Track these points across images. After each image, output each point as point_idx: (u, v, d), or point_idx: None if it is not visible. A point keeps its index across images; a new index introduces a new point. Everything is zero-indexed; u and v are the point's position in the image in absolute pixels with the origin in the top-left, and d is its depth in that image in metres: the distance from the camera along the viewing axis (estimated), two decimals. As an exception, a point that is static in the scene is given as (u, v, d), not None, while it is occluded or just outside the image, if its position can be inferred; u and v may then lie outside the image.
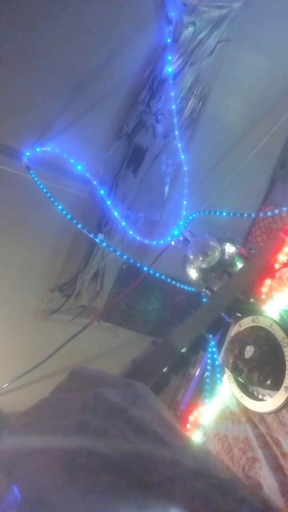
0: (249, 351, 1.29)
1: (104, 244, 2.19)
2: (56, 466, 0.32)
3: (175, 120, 2.27)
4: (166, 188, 2.44)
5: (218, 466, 0.36)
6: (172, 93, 2.22)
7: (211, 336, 1.85)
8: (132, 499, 0.31)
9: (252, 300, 1.47)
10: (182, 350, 1.24)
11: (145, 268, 2.12)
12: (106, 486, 0.31)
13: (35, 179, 2.00)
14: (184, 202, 2.31)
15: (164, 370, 1.19)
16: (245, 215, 2.34)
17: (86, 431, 0.35)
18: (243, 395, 1.36)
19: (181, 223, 2.07)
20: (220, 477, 0.34)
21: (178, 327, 1.35)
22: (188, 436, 0.38)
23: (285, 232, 1.55)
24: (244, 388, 1.37)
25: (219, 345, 1.92)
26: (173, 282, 2.25)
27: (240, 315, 1.47)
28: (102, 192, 2.20)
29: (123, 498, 0.31)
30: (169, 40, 2.11)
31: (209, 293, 1.77)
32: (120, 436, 0.35)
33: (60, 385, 0.43)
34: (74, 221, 2.05)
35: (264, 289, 1.46)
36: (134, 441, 0.35)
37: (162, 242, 2.17)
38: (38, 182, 2.00)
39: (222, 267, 1.82)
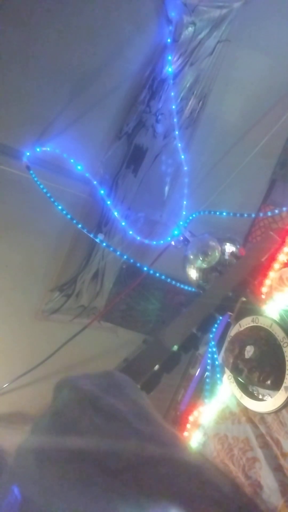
0: (249, 351, 1.30)
1: (104, 244, 2.19)
2: (29, 460, 0.33)
3: (175, 120, 2.27)
4: (166, 188, 2.44)
5: (187, 450, 0.37)
6: (172, 93, 2.22)
7: (211, 336, 1.86)
8: (97, 486, 0.31)
9: (244, 298, 1.47)
10: (173, 348, 1.24)
11: (145, 268, 2.13)
12: (73, 474, 0.32)
13: (35, 179, 2.00)
14: (184, 202, 2.32)
15: (155, 368, 1.19)
16: (245, 215, 2.34)
17: (57, 423, 0.36)
18: (243, 395, 1.36)
19: (181, 223, 2.07)
20: (187, 460, 0.35)
21: (169, 325, 1.35)
22: (163, 423, 0.38)
23: (277, 232, 1.55)
24: (244, 388, 1.37)
25: (219, 345, 1.92)
26: (173, 282, 2.25)
27: (232, 313, 1.47)
28: (102, 192, 2.20)
29: (89, 486, 0.32)
30: (169, 40, 2.11)
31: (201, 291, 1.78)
32: (90, 425, 0.36)
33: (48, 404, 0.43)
34: (74, 221, 2.05)
35: (264, 289, 1.46)
36: (103, 429, 0.35)
37: (162, 242, 2.18)
38: (38, 182, 2.00)
39: (221, 267, 1.82)
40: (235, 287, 1.45)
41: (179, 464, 0.34)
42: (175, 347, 1.25)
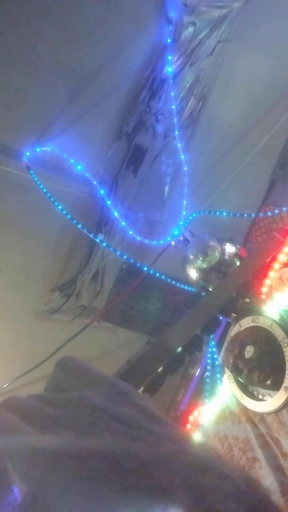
0: (249, 351, 1.30)
1: (104, 244, 2.19)
2: (42, 461, 0.33)
3: (175, 120, 2.27)
4: (166, 188, 2.44)
5: (199, 446, 0.37)
6: (172, 93, 2.22)
7: (211, 336, 1.86)
8: (112, 484, 0.32)
9: (247, 300, 1.47)
10: (177, 350, 1.23)
11: (145, 268, 2.12)
12: (87, 473, 0.32)
13: (35, 179, 2.00)
14: (184, 202, 2.32)
15: (159, 370, 1.18)
16: (245, 215, 2.34)
17: (72, 426, 0.36)
18: (243, 395, 1.36)
19: (181, 223, 2.07)
20: (200, 455, 0.35)
21: (173, 327, 1.34)
22: (172, 423, 0.40)
23: (280, 233, 1.55)
24: (244, 388, 1.37)
25: (219, 345, 1.92)
26: (173, 282, 2.25)
27: (235, 315, 1.47)
28: (102, 192, 2.20)
29: (104, 483, 0.32)
30: (169, 40, 2.11)
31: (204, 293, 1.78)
32: (106, 428, 0.36)
33: (49, 383, 0.43)
34: (74, 221, 2.05)
35: (264, 289, 1.46)
36: (119, 432, 0.36)
37: (162, 242, 2.17)
38: (38, 182, 2.00)
39: (222, 267, 1.82)
40: (239, 289, 1.45)
41: (194, 459, 0.34)
42: (179, 349, 1.24)
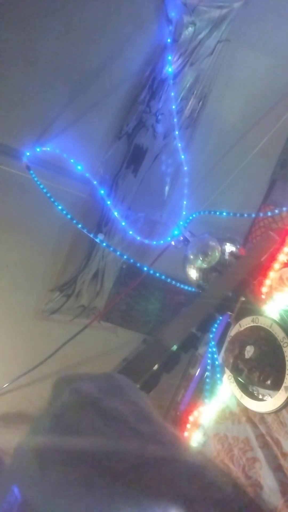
0: (249, 351, 1.30)
1: (104, 244, 2.19)
2: (29, 462, 0.33)
3: (175, 120, 2.27)
4: (166, 188, 2.44)
5: (188, 451, 0.37)
6: (172, 93, 2.22)
7: (210, 335, 1.86)
8: (99, 488, 0.31)
9: (243, 298, 1.47)
10: (172, 348, 1.24)
11: (145, 268, 2.12)
12: (75, 478, 0.32)
13: (35, 179, 2.00)
14: (184, 202, 2.31)
15: (155, 368, 1.19)
16: (245, 215, 2.34)
17: (58, 426, 0.36)
18: (243, 395, 1.36)
19: (181, 223, 2.07)
20: (188, 461, 0.35)
21: (168, 325, 1.34)
22: (164, 424, 0.39)
23: (277, 232, 1.55)
24: (244, 388, 1.37)
25: (219, 345, 1.92)
26: (173, 282, 2.25)
27: (231, 313, 1.47)
28: (102, 192, 2.20)
29: (90, 487, 0.32)
30: (169, 40, 2.11)
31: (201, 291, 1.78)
32: (91, 427, 0.36)
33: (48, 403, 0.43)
34: (74, 221, 2.05)
35: (264, 289, 1.46)
36: (104, 431, 0.35)
37: (162, 242, 2.17)
38: (38, 182, 2.00)
39: (221, 267, 1.82)
40: (235, 287, 1.45)
41: (181, 465, 0.34)
42: (175, 347, 1.24)
